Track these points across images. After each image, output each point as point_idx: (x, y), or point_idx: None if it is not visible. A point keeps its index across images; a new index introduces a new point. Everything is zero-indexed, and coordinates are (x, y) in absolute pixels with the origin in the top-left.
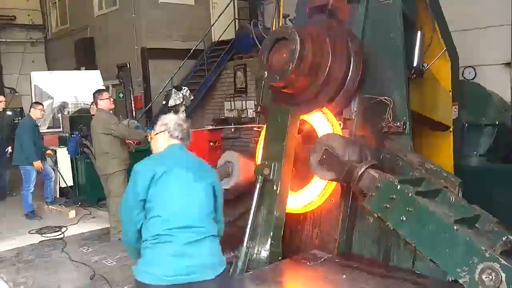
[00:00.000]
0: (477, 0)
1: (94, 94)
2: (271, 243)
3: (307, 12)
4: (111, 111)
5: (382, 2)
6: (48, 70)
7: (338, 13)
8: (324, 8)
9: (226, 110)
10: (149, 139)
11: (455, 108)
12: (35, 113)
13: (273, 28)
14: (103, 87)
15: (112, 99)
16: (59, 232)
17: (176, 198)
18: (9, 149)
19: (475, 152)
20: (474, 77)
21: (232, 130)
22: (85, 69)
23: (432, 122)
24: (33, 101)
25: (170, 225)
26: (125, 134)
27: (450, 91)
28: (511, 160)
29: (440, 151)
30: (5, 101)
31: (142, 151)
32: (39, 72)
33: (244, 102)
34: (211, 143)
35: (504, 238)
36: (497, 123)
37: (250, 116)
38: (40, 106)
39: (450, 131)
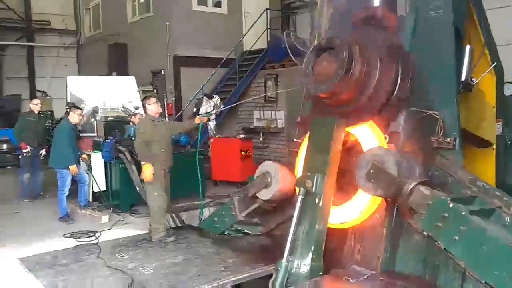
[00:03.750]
0: None
1: (142, 101)
2: (312, 258)
3: (354, 23)
4: (157, 115)
5: (433, 13)
6: (79, 74)
7: (385, 24)
8: (371, 19)
9: (255, 119)
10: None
11: (499, 124)
12: (73, 117)
13: (315, 39)
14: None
15: (159, 104)
16: (93, 237)
17: None
18: (43, 151)
19: None
20: None
21: (261, 139)
22: (117, 75)
23: (475, 138)
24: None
25: None
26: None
27: (494, 106)
28: None
29: (482, 169)
30: (41, 104)
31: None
32: (75, 76)
33: (274, 112)
34: (243, 152)
35: None
36: None
37: (280, 126)
38: (79, 111)
39: (493, 148)
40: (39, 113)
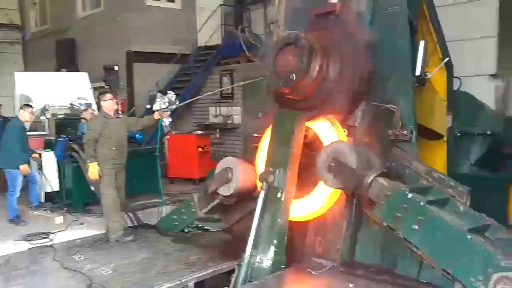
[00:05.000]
0: (464, 11)
1: (98, 96)
2: (274, 251)
3: (313, 18)
4: (113, 112)
5: (389, 9)
6: (26, 71)
7: (344, 20)
8: (330, 14)
9: (211, 115)
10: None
11: (449, 117)
12: (24, 115)
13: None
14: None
15: (115, 100)
16: (48, 239)
17: None
18: None
19: (466, 161)
20: (459, 87)
21: (217, 136)
22: (66, 71)
23: (427, 131)
24: (16, 102)
25: None
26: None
27: (445, 100)
28: (500, 169)
29: (434, 160)
30: None
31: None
32: (24, 72)
33: (230, 108)
34: (200, 149)
35: None
36: (489, 133)
37: (236, 122)
38: (30, 109)
39: (444, 140)
40: None
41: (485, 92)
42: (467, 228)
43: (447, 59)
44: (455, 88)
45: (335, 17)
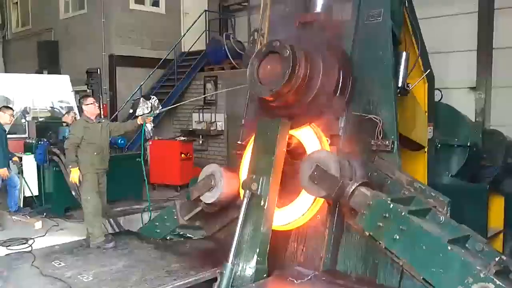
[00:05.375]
0: (445, 25)
1: (79, 100)
2: (257, 260)
3: (297, 27)
4: (94, 116)
5: (372, 20)
6: (6, 72)
7: (328, 29)
8: (313, 23)
9: (194, 121)
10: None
11: (430, 128)
12: (3, 118)
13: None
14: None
15: (97, 105)
16: (26, 245)
17: None
18: None
19: (447, 172)
20: (440, 99)
21: (200, 142)
22: (48, 73)
23: (409, 141)
24: None
25: None
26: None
27: (426, 111)
28: (479, 180)
29: (414, 171)
30: None
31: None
32: (3, 74)
33: (213, 114)
34: (183, 155)
35: (497, 259)
36: (468, 144)
37: (219, 128)
38: (10, 111)
39: (425, 151)
40: None
41: (466, 104)
42: (448, 238)
43: (429, 70)
44: (436, 100)
45: (318, 26)
